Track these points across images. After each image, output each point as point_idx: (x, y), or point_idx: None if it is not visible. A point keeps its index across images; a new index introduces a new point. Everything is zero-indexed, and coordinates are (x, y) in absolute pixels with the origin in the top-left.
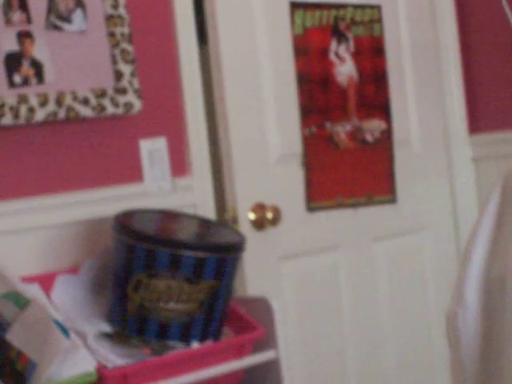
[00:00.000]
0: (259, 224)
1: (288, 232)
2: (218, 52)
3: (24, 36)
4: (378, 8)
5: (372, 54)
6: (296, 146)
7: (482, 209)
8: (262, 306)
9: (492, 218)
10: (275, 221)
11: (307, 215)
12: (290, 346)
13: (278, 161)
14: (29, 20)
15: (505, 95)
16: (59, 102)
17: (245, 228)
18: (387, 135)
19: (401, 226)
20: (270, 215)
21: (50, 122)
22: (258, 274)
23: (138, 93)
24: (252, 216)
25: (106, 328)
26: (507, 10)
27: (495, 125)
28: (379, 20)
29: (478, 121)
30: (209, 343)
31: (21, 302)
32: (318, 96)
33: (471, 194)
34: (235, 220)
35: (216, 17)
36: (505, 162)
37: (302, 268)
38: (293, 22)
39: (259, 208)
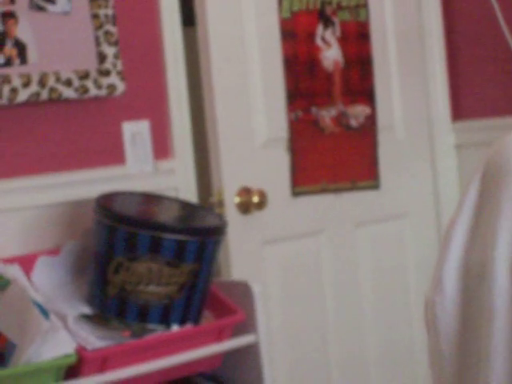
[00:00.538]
0: (245, 208)
1: (273, 216)
2: (206, 34)
3: (7, 16)
4: None
5: (357, 40)
6: (282, 130)
7: (463, 196)
8: (242, 290)
9: (472, 204)
10: (261, 205)
11: (292, 200)
12: (273, 330)
13: (265, 145)
14: (12, 0)
15: (488, 83)
16: (42, 82)
17: (231, 212)
18: (371, 121)
19: (383, 211)
20: (256, 199)
21: (33, 102)
22: (242, 257)
23: (122, 75)
24: (238, 200)
25: (86, 310)
26: None
27: (478, 112)
28: (365, 5)
29: (461, 108)
30: (188, 326)
31: (1, 282)
32: (304, 80)
33: (453, 180)
34: (221, 204)
35: None
36: (487, 150)
37: (285, 252)
38: (280, 5)
39: (245, 192)
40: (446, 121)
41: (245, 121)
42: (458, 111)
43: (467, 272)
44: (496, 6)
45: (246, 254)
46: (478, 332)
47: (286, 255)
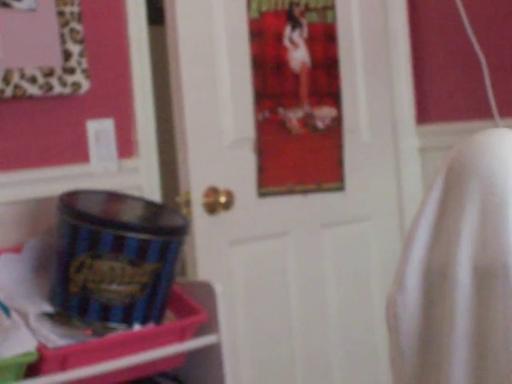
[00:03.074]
0: (212, 208)
1: (239, 217)
2: (175, 33)
3: None
4: None
5: (324, 41)
6: (249, 130)
7: (426, 194)
8: (205, 290)
9: (435, 204)
10: (228, 205)
11: (258, 200)
12: (238, 330)
13: (232, 145)
14: None
15: (453, 87)
16: (6, 79)
17: (197, 212)
18: (337, 122)
19: (348, 213)
20: (223, 199)
21: None
22: (209, 257)
23: (86, 73)
24: (205, 200)
25: (48, 308)
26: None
27: (443, 116)
28: (332, 7)
29: (425, 111)
30: (151, 326)
31: None
32: (271, 81)
33: (417, 184)
34: (188, 203)
35: None
36: (450, 150)
37: (252, 253)
38: (249, 6)
39: (212, 192)
40: (411, 124)
41: (212, 121)
42: (423, 114)
43: (429, 271)
44: (462, 9)
45: (212, 254)
46: (439, 332)
47: (252, 256)
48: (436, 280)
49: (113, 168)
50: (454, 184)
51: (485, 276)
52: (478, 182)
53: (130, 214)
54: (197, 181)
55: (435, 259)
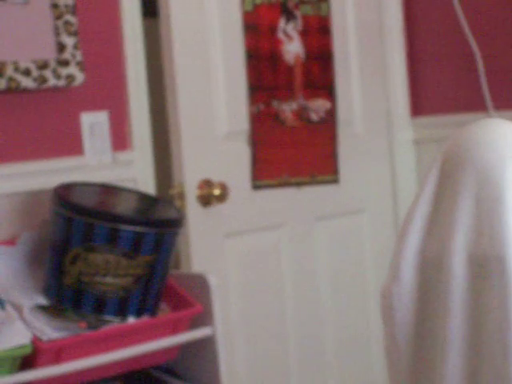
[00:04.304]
0: (206, 200)
1: (234, 209)
2: (168, 26)
3: None
4: None
5: (319, 34)
6: (243, 123)
7: (421, 186)
8: (199, 283)
9: (430, 195)
10: (222, 197)
11: (253, 193)
12: (233, 322)
13: (226, 137)
14: None
15: (448, 79)
16: (0, 72)
17: (191, 204)
18: (331, 115)
19: (342, 206)
20: (217, 192)
21: None
22: (203, 250)
23: (81, 65)
24: (199, 192)
25: (43, 301)
26: None
27: (437, 108)
28: None
29: (420, 103)
30: (145, 318)
31: None
32: (265, 73)
33: (411, 176)
34: (182, 196)
35: None
36: (445, 141)
37: (246, 245)
38: None
39: (206, 184)
40: (405, 116)
41: (206, 113)
42: (418, 107)
43: (424, 262)
44: (457, 2)
45: (206, 247)
46: (434, 323)
47: (246, 248)
48: (431, 271)
49: (107, 160)
50: (449, 175)
51: (480, 267)
52: (474, 173)
53: (125, 207)
54: (191, 173)
55: (430, 250)
